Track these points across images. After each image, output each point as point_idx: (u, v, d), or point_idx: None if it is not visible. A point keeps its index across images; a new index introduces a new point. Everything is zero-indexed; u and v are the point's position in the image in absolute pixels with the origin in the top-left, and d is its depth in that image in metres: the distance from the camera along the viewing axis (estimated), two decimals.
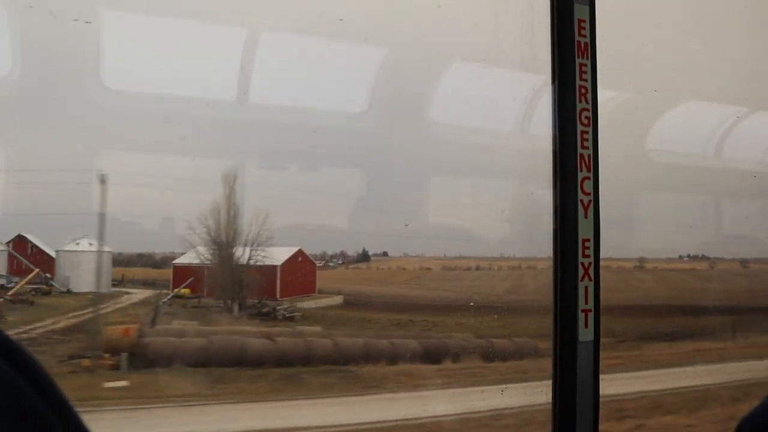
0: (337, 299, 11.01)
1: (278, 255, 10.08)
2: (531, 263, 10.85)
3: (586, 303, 2.62)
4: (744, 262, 12.58)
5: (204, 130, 6.88)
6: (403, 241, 11.03)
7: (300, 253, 10.57)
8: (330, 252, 11.82)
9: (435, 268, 12.30)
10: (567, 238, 2.63)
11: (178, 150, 7.50)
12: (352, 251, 11.66)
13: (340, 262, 11.85)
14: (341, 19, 4.94)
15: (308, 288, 10.64)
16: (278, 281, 10.05)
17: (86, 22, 4.84)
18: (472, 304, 11.89)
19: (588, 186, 2.64)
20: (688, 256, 12.70)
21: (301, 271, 10.69)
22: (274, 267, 10.04)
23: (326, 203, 9.26)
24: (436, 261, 12.19)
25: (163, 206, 9.52)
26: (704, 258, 12.70)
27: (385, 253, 11.77)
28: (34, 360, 0.69)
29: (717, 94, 6.10)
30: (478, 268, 12.00)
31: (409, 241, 10.88)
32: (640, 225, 8.50)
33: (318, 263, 11.68)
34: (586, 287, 2.63)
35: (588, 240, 2.63)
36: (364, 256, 11.79)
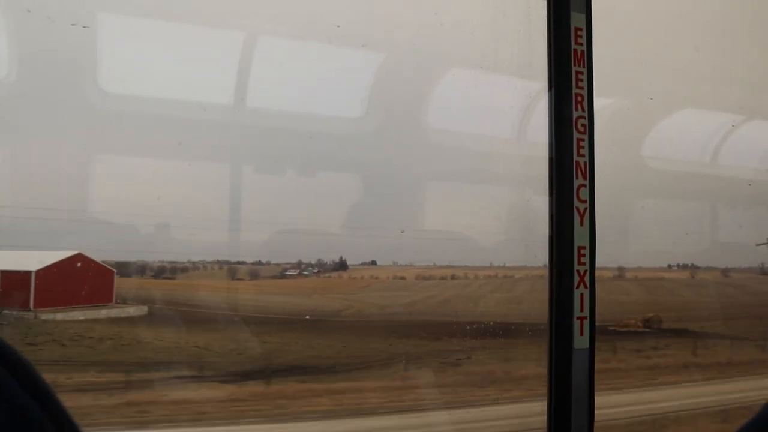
0: (133, 310, 9.59)
1: (41, 259, 8.75)
2: (508, 272, 10.14)
3: (582, 311, 2.63)
4: (725, 272, 12.28)
5: (202, 134, 6.87)
6: (396, 249, 10.73)
7: (79, 257, 9.16)
8: (306, 260, 11.42)
9: (409, 277, 11.83)
10: (563, 246, 2.64)
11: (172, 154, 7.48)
12: (344, 258, 11.41)
13: (315, 270, 11.55)
14: (338, 26, 4.95)
15: (97, 297, 9.33)
16: (32, 289, 8.85)
17: (84, 27, 4.84)
18: (307, 317, 10.75)
19: (584, 194, 2.65)
20: (678, 265, 12.44)
21: (78, 278, 9.36)
22: (27, 273, 8.81)
23: (321, 209, 9.18)
24: (417, 270, 11.81)
25: None
26: (694, 267, 12.41)
27: (373, 262, 11.47)
28: (21, 357, 0.69)
29: (713, 102, 6.13)
30: (453, 277, 11.56)
31: (402, 249, 10.59)
32: (633, 233, 8.48)
33: (293, 272, 11.21)
34: (582, 295, 2.63)
35: (584, 247, 2.64)
36: (342, 265, 11.49)
